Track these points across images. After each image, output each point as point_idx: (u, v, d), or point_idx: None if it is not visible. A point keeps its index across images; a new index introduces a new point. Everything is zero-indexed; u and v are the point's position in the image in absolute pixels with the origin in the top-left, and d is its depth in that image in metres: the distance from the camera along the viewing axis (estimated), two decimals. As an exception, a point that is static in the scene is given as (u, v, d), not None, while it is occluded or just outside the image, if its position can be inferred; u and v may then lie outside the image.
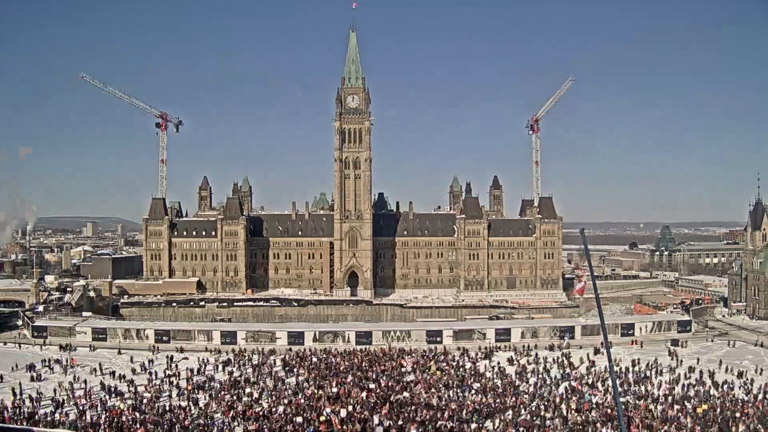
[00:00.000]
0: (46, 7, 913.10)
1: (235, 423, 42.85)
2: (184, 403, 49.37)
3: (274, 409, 45.62)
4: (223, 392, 53.44)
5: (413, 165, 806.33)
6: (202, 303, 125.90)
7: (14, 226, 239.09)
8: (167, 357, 70.27)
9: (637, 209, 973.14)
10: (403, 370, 62.00)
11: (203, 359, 69.49)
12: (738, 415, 44.07)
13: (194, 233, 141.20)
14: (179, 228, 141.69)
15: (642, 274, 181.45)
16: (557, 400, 49.63)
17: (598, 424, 41.53)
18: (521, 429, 41.31)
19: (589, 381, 58.01)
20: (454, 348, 76.78)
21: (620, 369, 62.66)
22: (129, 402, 50.17)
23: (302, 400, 48.40)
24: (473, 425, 42.18)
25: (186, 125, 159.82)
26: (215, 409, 46.89)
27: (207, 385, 56.78)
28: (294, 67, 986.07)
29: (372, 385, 53.13)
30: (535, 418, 44.13)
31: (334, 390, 51.44)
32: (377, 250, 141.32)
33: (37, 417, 44.15)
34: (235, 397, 51.01)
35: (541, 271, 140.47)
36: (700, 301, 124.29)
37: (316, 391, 52.02)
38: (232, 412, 45.59)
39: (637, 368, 64.13)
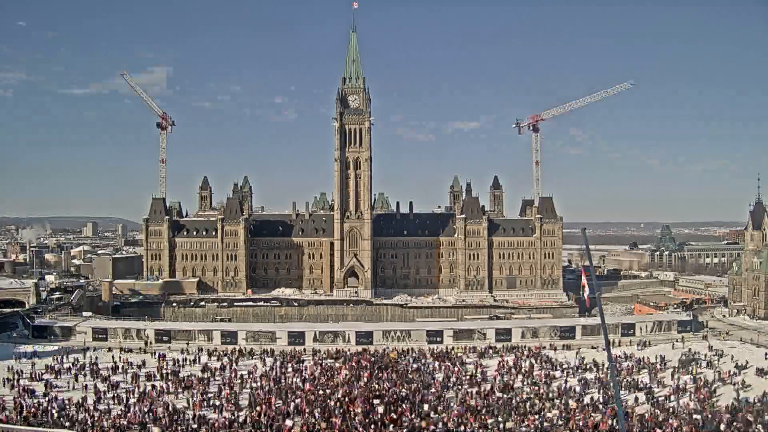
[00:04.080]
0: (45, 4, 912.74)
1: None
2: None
3: None
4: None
5: (413, 165, 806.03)
6: (203, 303, 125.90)
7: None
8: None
9: (637, 209, 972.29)
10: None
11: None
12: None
13: (194, 233, 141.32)
14: (179, 228, 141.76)
15: (642, 274, 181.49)
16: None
17: None
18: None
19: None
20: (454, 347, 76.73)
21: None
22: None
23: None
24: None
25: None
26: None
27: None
28: (294, 66, 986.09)
29: None
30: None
31: None
32: (377, 250, 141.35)
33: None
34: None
35: (541, 271, 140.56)
36: (701, 301, 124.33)
37: None
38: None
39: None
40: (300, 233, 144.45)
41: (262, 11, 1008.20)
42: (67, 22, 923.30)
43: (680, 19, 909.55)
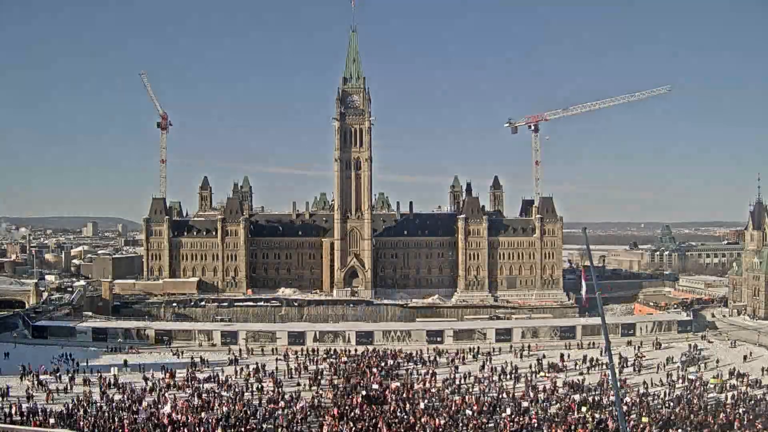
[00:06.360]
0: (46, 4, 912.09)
1: None
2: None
3: None
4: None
5: (413, 165, 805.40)
6: (203, 303, 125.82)
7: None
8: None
9: (637, 209, 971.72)
10: None
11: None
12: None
13: (195, 233, 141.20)
14: (179, 228, 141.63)
15: (642, 274, 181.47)
16: None
17: None
18: None
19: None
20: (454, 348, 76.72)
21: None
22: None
23: None
24: None
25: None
26: None
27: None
28: (294, 66, 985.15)
29: None
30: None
31: None
32: (377, 250, 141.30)
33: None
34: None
35: (541, 271, 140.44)
36: (701, 301, 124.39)
37: None
38: None
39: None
40: (300, 233, 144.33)
41: (261, 11, 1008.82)
42: (70, 24, 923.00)
43: (677, 18, 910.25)
